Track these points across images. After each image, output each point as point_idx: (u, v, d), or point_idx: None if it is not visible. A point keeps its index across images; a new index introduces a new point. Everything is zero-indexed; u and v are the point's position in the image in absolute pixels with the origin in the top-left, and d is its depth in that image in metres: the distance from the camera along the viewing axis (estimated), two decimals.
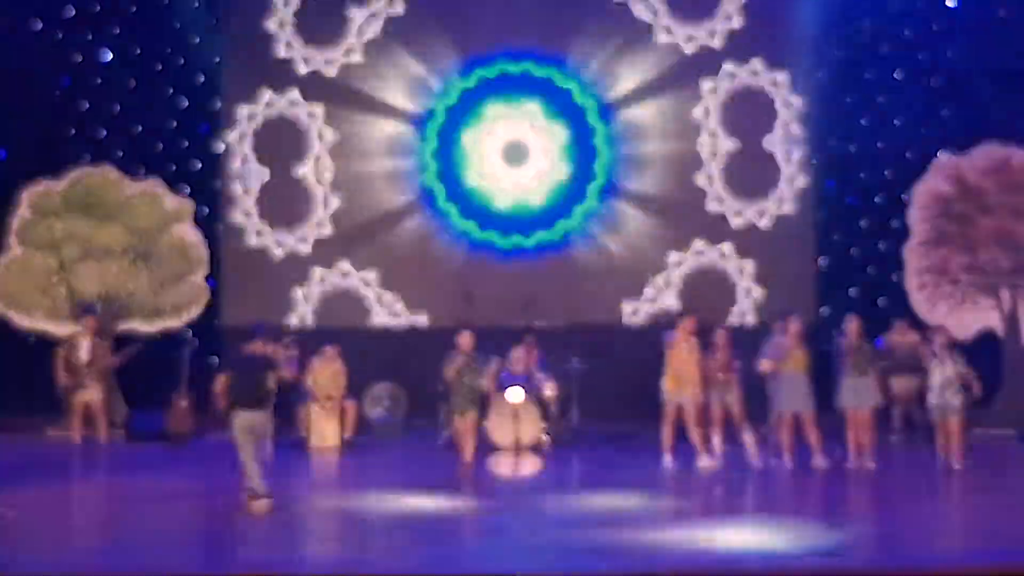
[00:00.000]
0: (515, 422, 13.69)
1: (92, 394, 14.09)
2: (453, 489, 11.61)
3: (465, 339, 12.65)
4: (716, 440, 12.64)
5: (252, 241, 17.08)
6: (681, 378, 12.48)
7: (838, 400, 12.50)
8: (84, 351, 14.15)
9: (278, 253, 17.04)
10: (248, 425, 10.38)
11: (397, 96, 17.13)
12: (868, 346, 12.54)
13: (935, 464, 12.12)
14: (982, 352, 15.09)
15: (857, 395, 12.35)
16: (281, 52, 17.13)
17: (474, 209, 17.08)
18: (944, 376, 12.08)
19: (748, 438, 12.70)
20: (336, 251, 17.10)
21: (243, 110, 17.14)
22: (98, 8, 17.39)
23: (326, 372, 14.45)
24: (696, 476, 12.21)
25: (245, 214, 17.07)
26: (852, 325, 12.54)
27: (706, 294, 16.62)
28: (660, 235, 16.98)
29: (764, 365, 12.66)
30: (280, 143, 17.15)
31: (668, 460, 12.56)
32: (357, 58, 17.13)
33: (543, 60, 17.03)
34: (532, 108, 17.06)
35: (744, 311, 16.82)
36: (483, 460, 13.34)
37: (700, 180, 16.97)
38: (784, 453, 12.58)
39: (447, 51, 17.09)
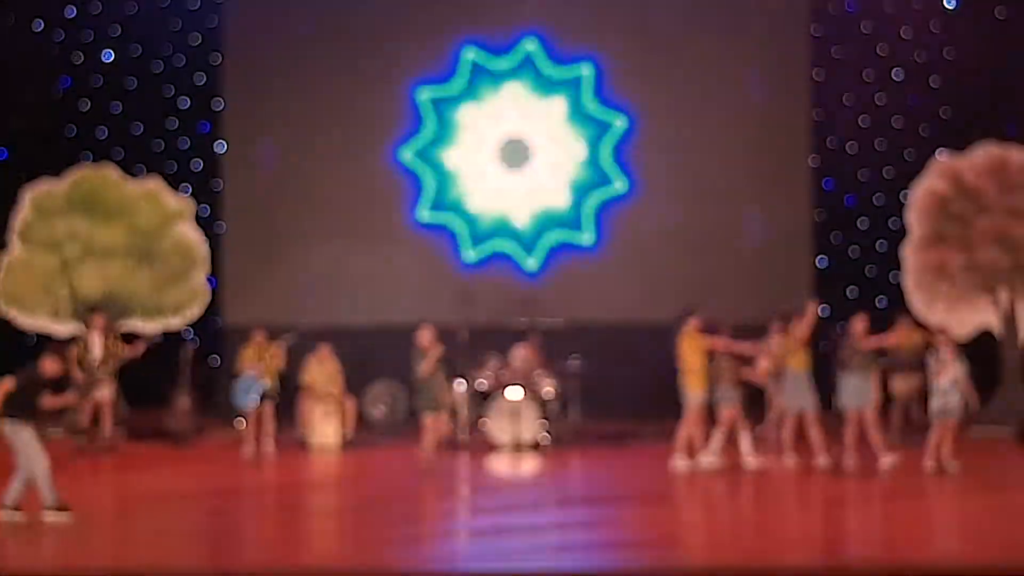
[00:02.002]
0: (515, 421, 13.72)
1: (105, 391, 14.17)
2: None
3: (426, 336, 12.27)
4: (719, 437, 12.61)
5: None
6: (703, 376, 12.49)
7: (840, 399, 12.49)
8: (97, 349, 14.20)
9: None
10: (7, 435, 10.19)
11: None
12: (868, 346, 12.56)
13: (930, 464, 12.13)
14: (980, 351, 15.12)
15: (860, 394, 12.37)
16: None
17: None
18: (948, 379, 12.09)
19: (748, 438, 12.72)
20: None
21: None
22: (99, 8, 17.44)
23: (324, 371, 14.48)
24: (701, 475, 12.23)
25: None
26: (857, 325, 12.54)
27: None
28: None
29: (762, 365, 12.77)
30: None
31: (683, 461, 12.56)
32: None
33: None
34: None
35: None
36: (483, 460, 13.41)
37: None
38: (787, 452, 12.61)
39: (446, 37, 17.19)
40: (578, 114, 17.16)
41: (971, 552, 9.03)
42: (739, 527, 10.05)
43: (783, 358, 12.63)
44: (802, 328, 12.55)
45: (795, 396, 12.54)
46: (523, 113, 17.15)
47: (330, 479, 12.83)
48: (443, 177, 17.22)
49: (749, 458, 12.48)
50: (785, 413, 13.05)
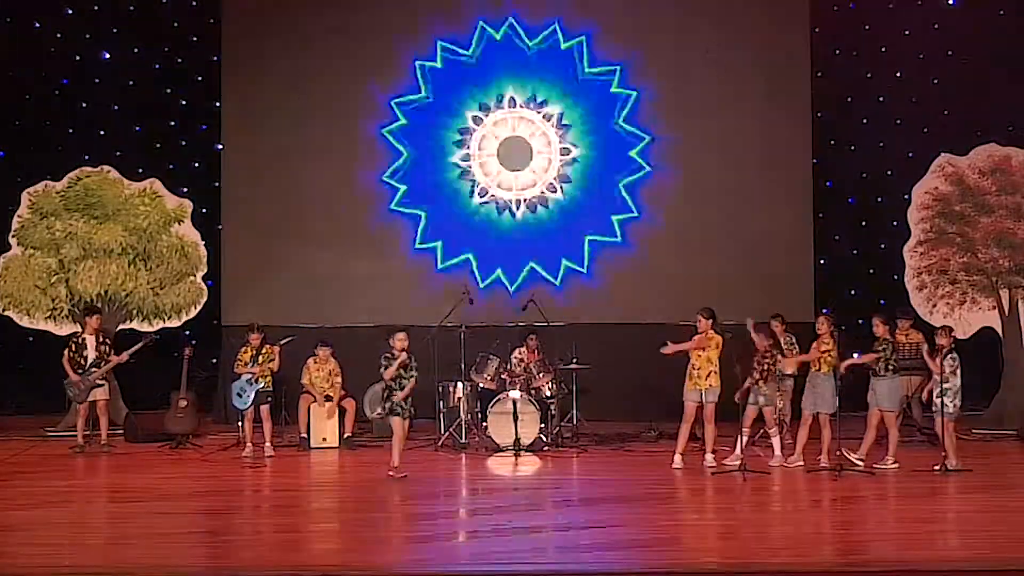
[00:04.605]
0: (515, 422, 13.67)
1: (101, 393, 14.12)
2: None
3: (400, 340, 12.19)
4: (743, 440, 12.60)
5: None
6: (697, 375, 12.47)
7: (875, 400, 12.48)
8: (91, 351, 14.16)
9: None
10: None
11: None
12: (887, 347, 12.50)
13: (933, 464, 12.12)
14: (981, 352, 15.10)
15: (876, 395, 12.35)
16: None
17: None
18: (936, 377, 12.10)
19: (776, 441, 12.71)
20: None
21: None
22: (97, 8, 17.39)
23: (321, 373, 14.46)
24: (701, 475, 12.20)
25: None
26: (876, 327, 12.50)
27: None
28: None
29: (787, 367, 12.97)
30: None
31: (678, 460, 12.55)
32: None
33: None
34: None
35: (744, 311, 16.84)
36: (483, 461, 13.38)
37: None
38: (796, 452, 12.58)
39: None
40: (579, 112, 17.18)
41: (971, 552, 9.00)
42: (741, 527, 10.00)
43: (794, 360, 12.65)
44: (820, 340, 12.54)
45: (814, 397, 12.50)
46: (523, 116, 17.17)
47: (329, 480, 12.78)
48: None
49: (775, 460, 12.52)
50: (784, 412, 13.12)
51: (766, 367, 12.63)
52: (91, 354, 14.14)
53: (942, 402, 12.10)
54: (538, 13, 17.07)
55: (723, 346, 12.57)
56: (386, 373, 12.03)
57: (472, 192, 17.14)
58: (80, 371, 14.07)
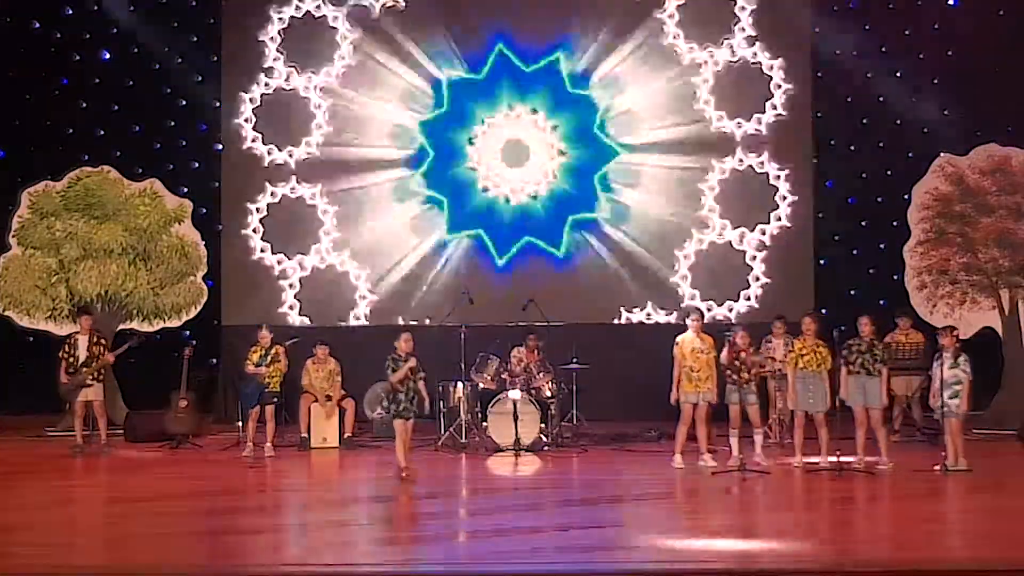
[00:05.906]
0: (515, 422, 13.66)
1: (92, 394, 14.09)
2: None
3: (405, 342, 12.09)
4: (734, 441, 12.57)
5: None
6: (697, 377, 12.47)
7: (847, 398, 12.46)
8: (82, 350, 14.15)
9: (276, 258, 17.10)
10: None
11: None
12: (879, 345, 12.50)
13: (935, 463, 12.12)
14: (982, 352, 15.07)
15: (867, 394, 12.35)
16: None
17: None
18: (942, 377, 12.09)
19: (759, 439, 12.71)
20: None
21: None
22: (96, 8, 17.40)
23: (320, 373, 14.46)
24: (701, 475, 12.19)
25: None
26: (865, 325, 12.50)
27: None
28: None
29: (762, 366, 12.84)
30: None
31: (679, 460, 12.56)
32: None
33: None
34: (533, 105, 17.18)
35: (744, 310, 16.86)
36: (483, 461, 13.38)
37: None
38: (796, 452, 12.57)
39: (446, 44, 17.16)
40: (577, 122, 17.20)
41: (972, 552, 9.00)
42: (741, 527, 9.99)
43: (792, 359, 12.62)
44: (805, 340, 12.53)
45: (805, 396, 12.49)
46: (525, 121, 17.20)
47: (329, 480, 12.78)
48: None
49: (757, 459, 12.49)
50: (783, 413, 13.13)
51: (750, 365, 12.60)
52: (82, 354, 14.12)
53: (942, 402, 12.09)
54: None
55: (716, 347, 12.59)
56: (394, 376, 11.90)
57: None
58: (71, 371, 14.06)
